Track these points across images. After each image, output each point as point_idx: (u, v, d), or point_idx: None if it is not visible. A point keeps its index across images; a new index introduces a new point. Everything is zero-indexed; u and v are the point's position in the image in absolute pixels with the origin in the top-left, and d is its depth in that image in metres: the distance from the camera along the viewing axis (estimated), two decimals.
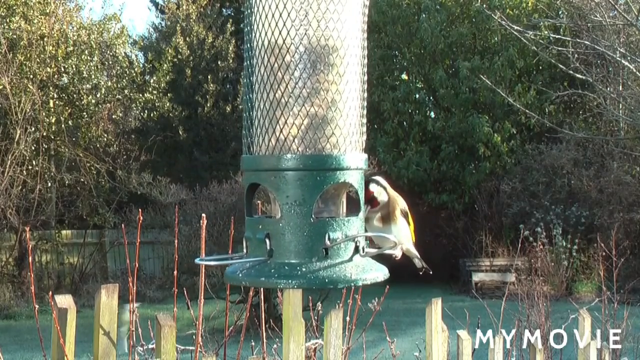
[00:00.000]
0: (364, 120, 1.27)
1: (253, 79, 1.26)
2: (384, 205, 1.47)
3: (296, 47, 1.20)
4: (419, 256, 1.61)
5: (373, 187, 1.49)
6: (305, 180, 1.18)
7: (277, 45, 1.21)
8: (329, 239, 1.18)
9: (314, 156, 1.19)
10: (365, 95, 1.28)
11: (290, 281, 1.16)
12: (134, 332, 2.16)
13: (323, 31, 1.20)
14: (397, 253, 1.42)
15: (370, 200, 1.48)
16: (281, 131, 1.20)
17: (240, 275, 1.19)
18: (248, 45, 1.28)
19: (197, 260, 1.26)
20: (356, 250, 1.21)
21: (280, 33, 1.20)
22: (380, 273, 1.22)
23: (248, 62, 1.28)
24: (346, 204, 1.26)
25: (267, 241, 1.18)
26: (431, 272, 1.66)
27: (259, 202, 1.75)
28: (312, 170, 1.18)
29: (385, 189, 1.51)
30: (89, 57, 13.45)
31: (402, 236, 1.44)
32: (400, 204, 1.49)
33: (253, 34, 1.26)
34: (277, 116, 1.21)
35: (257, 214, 1.51)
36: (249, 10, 1.27)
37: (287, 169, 1.18)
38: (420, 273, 1.61)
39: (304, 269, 1.16)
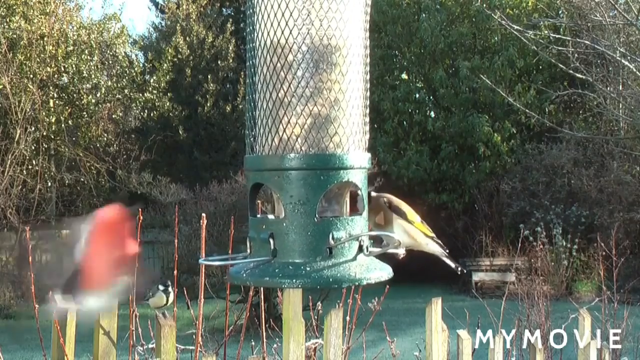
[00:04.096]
0: (367, 119, 1.27)
1: (256, 78, 1.26)
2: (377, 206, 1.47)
3: (299, 47, 1.20)
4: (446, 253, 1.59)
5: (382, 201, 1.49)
6: (308, 179, 1.18)
7: (279, 44, 1.21)
8: (332, 238, 1.17)
9: (318, 155, 1.19)
10: (368, 94, 1.28)
11: (294, 281, 1.15)
12: (133, 332, 2.16)
13: (325, 30, 1.20)
14: (401, 252, 1.42)
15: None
16: (284, 131, 1.20)
17: (244, 275, 1.19)
18: (250, 45, 1.27)
19: (201, 261, 1.25)
20: (360, 249, 1.21)
21: (282, 33, 1.20)
22: (384, 272, 1.22)
23: (250, 62, 1.27)
24: (350, 203, 1.26)
25: (271, 241, 1.18)
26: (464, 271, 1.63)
27: (258, 201, 1.75)
28: (316, 170, 1.18)
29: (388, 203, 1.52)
30: (89, 57, 13.44)
31: (402, 235, 1.44)
32: (404, 214, 1.49)
33: (255, 34, 1.25)
34: (280, 116, 1.20)
35: (258, 213, 1.50)
36: (251, 10, 1.27)
37: (291, 169, 1.18)
38: (458, 272, 1.57)
39: (308, 269, 1.16)
